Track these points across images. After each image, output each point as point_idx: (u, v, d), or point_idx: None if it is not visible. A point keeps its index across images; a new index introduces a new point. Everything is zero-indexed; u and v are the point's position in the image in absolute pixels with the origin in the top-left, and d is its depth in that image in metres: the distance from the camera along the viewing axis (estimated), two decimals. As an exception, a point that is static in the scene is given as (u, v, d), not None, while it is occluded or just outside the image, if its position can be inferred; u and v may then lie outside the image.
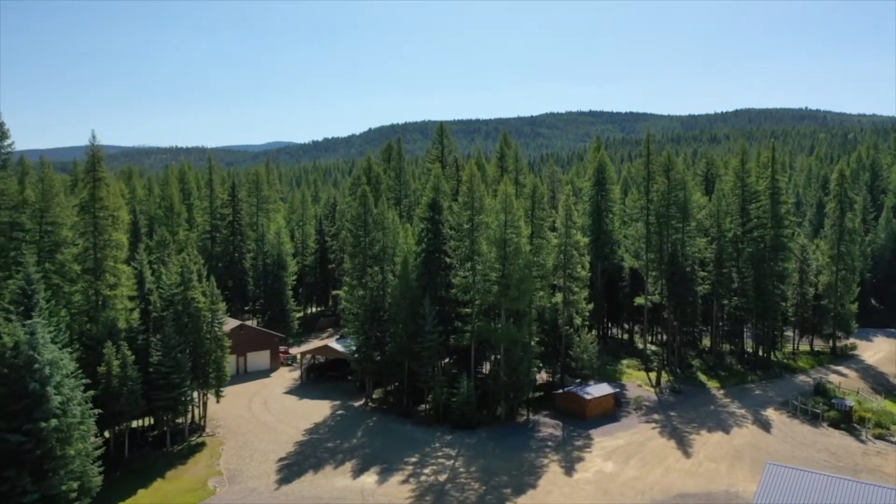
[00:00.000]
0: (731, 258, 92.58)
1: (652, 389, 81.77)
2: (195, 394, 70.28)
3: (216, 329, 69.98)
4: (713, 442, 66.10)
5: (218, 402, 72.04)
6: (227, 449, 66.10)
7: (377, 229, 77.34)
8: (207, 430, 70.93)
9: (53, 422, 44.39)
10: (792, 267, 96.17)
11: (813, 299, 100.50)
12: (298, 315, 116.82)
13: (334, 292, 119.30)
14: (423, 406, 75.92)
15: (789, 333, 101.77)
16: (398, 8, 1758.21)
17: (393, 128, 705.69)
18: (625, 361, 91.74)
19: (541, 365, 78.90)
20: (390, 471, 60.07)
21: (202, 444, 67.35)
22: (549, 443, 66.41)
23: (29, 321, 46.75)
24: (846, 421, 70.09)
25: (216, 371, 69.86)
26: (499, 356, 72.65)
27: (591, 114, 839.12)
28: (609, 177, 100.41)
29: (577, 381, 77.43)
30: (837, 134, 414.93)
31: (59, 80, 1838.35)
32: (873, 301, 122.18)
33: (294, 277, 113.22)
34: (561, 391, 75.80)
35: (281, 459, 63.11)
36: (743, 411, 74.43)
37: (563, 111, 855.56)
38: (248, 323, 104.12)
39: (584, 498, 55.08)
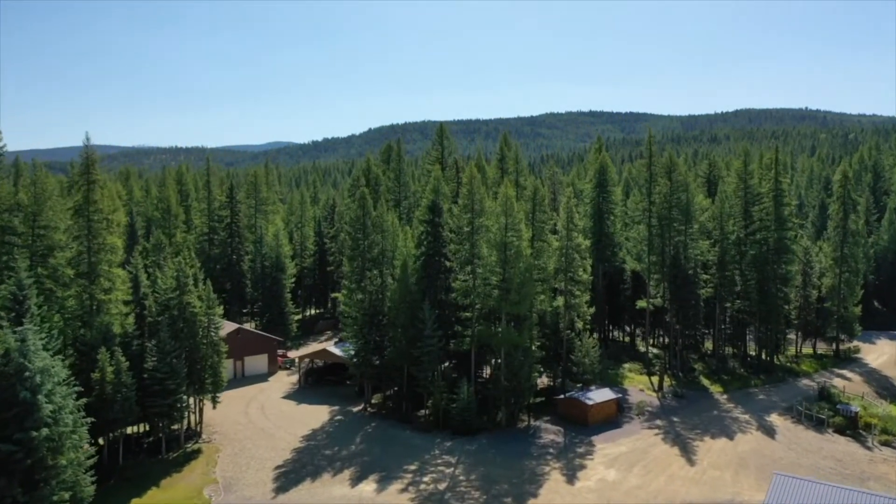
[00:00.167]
0: (734, 261, 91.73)
1: (654, 394, 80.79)
2: (191, 399, 69.29)
3: (212, 334, 69.00)
4: (717, 448, 65.08)
5: (214, 407, 71.05)
6: (224, 456, 65.11)
7: (376, 232, 76.44)
8: (204, 436, 69.92)
9: (45, 431, 43.27)
10: (795, 269, 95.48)
11: (816, 302, 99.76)
12: (297, 317, 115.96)
13: (333, 294, 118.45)
14: (422, 411, 74.96)
15: (792, 336, 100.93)
16: (398, 8, 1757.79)
17: (393, 128, 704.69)
18: (626, 365, 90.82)
19: (542, 369, 78.18)
20: (389, 479, 59.10)
21: (198, 451, 66.37)
22: (551, 449, 65.43)
23: (20, 328, 45.67)
24: (852, 427, 69.10)
25: (212, 376, 68.92)
26: (499, 361, 71.68)
27: (591, 114, 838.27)
28: (610, 178, 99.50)
29: (579, 385, 76.51)
30: (838, 134, 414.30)
31: (58, 79, 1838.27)
32: (876, 303, 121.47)
33: (292, 280, 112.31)
34: (562, 396, 74.86)
35: (278, 467, 62.13)
36: (747, 417, 73.41)
37: (563, 111, 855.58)
38: (246, 326, 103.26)
39: (586, 507, 54.13)
